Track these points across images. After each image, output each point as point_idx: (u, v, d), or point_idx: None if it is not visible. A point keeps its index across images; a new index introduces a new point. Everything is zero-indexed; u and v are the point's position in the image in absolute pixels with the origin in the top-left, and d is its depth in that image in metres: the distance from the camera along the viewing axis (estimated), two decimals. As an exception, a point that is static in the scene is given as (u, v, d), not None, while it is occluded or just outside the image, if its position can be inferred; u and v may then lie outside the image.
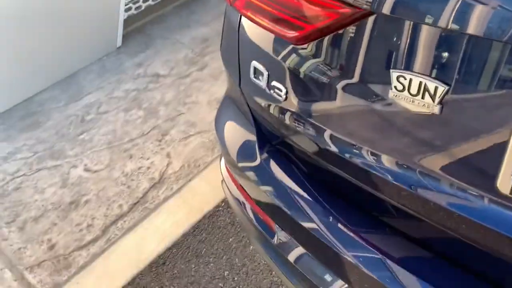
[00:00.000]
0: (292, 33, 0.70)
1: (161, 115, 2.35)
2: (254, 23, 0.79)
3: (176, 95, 2.47)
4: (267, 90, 0.82)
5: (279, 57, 0.77)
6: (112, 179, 2.02)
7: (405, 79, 0.56)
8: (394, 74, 0.57)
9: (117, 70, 2.73)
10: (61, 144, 2.27)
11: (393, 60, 0.58)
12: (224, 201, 1.83)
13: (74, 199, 1.96)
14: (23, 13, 2.35)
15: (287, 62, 0.76)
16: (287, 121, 0.81)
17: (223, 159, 1.17)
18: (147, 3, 2.99)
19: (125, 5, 2.84)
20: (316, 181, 0.94)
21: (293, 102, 0.78)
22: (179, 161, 2.06)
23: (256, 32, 0.82)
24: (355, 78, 0.66)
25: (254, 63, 0.84)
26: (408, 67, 0.56)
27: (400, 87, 0.57)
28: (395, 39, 0.57)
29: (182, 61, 2.72)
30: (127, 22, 2.93)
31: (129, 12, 2.91)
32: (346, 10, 0.60)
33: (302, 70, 0.74)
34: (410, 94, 0.56)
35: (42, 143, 2.30)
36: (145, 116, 2.36)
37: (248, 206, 1.03)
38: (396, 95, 0.58)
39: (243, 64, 0.88)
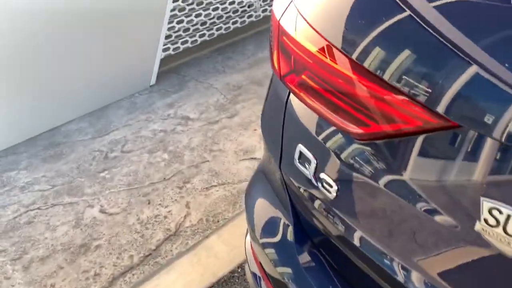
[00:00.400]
0: (354, 128, 0.60)
1: (185, 160, 2.28)
2: (305, 105, 0.70)
3: (203, 141, 2.40)
4: (314, 181, 0.72)
5: (334, 148, 0.67)
6: (126, 225, 1.93)
7: (501, 213, 0.45)
8: (486, 204, 0.46)
9: (147, 108, 2.70)
10: (80, 180, 2.21)
11: (487, 187, 0.47)
12: (241, 267, 1.70)
13: (85, 243, 1.87)
14: (60, 42, 2.36)
15: (343, 155, 0.66)
16: (336, 221, 0.70)
17: (248, 236, 1.06)
18: (185, 45, 3.00)
19: (164, 45, 2.85)
20: (345, 277, 0.82)
21: (345, 201, 0.67)
22: (198, 214, 1.96)
23: (307, 113, 0.73)
24: (430, 199, 0.55)
25: (301, 147, 0.74)
26: (508, 200, 0.45)
27: (492, 221, 0.46)
28: (494, 163, 0.46)
29: (213, 106, 2.67)
30: (163, 61, 2.93)
31: (167, 52, 2.92)
32: (433, 120, 0.50)
33: (361, 168, 0.63)
34: (506, 233, 0.45)
35: (62, 176, 2.24)
36: (169, 159, 2.29)
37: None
38: (485, 230, 0.47)
39: (287, 144, 0.79)
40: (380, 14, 0.62)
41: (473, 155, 0.48)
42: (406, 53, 0.56)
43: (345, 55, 0.61)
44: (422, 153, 0.54)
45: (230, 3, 3.10)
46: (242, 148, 2.33)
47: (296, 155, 0.75)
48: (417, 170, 0.55)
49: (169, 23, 2.80)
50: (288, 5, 0.75)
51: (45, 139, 2.52)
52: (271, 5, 3.53)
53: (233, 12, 3.17)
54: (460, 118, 0.47)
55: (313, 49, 0.65)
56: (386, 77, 0.55)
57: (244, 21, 3.25)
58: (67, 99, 2.58)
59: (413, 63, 0.55)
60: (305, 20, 0.68)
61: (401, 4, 0.60)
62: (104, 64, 2.61)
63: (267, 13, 3.37)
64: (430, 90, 0.50)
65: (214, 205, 2.00)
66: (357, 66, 0.59)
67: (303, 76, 0.71)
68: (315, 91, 0.68)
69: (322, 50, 0.65)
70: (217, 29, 3.12)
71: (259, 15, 3.32)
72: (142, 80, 2.85)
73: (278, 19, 0.76)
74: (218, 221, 1.91)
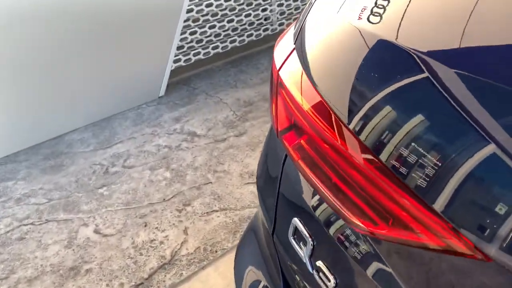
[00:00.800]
0: (357, 221, 0.49)
1: (187, 180, 2.17)
2: (302, 175, 0.59)
3: (208, 160, 2.29)
4: (309, 266, 0.60)
5: (336, 233, 0.55)
6: (120, 249, 1.83)
7: None
8: None
9: (154, 121, 2.61)
10: (78, 195, 2.12)
11: None
12: (237, 306, 1.58)
13: (76, 265, 1.78)
14: (68, 48, 2.29)
15: (347, 244, 0.54)
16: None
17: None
18: (197, 57, 2.91)
19: (175, 56, 2.77)
20: None
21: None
22: (196, 241, 1.85)
23: (306, 184, 0.61)
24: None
25: (296, 222, 0.62)
26: None
27: None
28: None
29: (222, 122, 2.57)
30: (173, 71, 2.84)
31: (177, 64, 2.83)
32: (458, 244, 0.38)
33: (366, 263, 0.52)
34: None
35: (59, 190, 2.16)
36: (171, 178, 2.19)
37: None
38: None
39: (281, 214, 0.67)
40: (394, 72, 0.51)
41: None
42: (419, 119, 0.45)
43: (349, 130, 0.50)
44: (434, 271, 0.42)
45: (246, 16, 3.00)
46: (248, 171, 2.22)
47: (291, 230, 0.63)
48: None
49: (181, 33, 2.72)
50: (290, 54, 0.64)
51: (48, 148, 2.46)
52: (289, 19, 3.41)
53: (249, 25, 3.07)
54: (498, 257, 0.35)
55: (315, 116, 0.54)
56: (387, 157, 0.44)
57: (260, 34, 3.15)
58: (72, 107, 2.51)
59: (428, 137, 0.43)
60: (308, 77, 0.57)
61: (420, 63, 0.49)
62: (113, 73, 2.53)
63: (284, 26, 3.26)
64: (452, 199, 0.38)
65: (213, 233, 1.89)
66: (364, 148, 0.48)
67: (302, 141, 0.60)
68: (317, 166, 0.56)
69: (325, 118, 0.53)
70: (231, 42, 3.02)
71: (276, 29, 3.21)
72: (151, 91, 2.77)
73: (277, 69, 0.64)
74: (216, 251, 1.80)
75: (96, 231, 1.93)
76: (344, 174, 0.51)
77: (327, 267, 0.56)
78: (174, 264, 1.76)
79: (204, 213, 1.99)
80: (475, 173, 0.39)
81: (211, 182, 2.16)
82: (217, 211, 2.00)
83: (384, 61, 0.52)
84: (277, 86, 0.66)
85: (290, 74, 0.62)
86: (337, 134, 0.51)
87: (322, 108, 0.54)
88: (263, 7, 3.06)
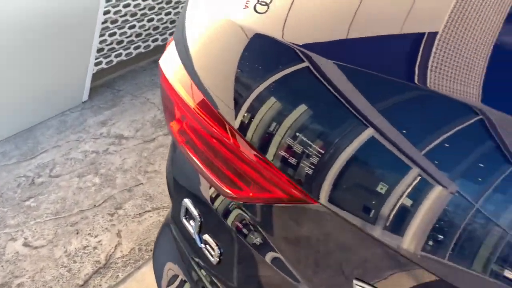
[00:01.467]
0: (226, 190, 0.55)
1: (117, 184, 2.16)
2: (186, 157, 0.64)
3: (138, 161, 2.29)
4: (198, 241, 0.65)
5: (218, 209, 0.61)
6: (52, 259, 1.79)
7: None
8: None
9: (78, 127, 2.55)
10: (3, 210, 2.04)
11: (355, 269, 0.43)
12: (173, 298, 1.62)
13: (6, 281, 1.72)
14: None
15: (227, 218, 0.60)
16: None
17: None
18: (119, 58, 2.87)
19: (96, 58, 2.71)
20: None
21: (227, 269, 0.61)
22: (130, 243, 1.86)
23: (191, 166, 0.66)
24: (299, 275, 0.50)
25: (187, 203, 0.67)
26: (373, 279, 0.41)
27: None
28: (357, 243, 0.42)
29: (150, 122, 2.57)
30: (96, 75, 2.79)
31: (99, 66, 2.78)
32: (296, 194, 0.45)
33: (243, 233, 0.58)
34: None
35: (-18, 208, 2.06)
36: (101, 184, 2.16)
37: None
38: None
39: (176, 196, 0.72)
40: (275, 61, 0.55)
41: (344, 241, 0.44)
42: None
43: (215, 109, 0.55)
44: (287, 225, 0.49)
45: (166, 14, 3.00)
46: (179, 167, 2.24)
47: (183, 210, 0.68)
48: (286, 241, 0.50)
49: (100, 35, 2.67)
50: (169, 43, 0.68)
51: (-35, 166, 2.33)
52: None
53: (170, 23, 3.07)
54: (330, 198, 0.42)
55: (190, 101, 0.59)
56: (274, 153, 0.50)
57: (182, 31, 3.15)
58: (-12, 121, 2.40)
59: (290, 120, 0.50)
60: (188, 72, 0.62)
61: (300, 55, 0.54)
62: (31, 81, 2.44)
63: (206, 22, 3.29)
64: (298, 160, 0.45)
65: (147, 233, 1.90)
66: (222, 123, 0.54)
67: (184, 125, 0.65)
68: (194, 143, 0.62)
69: (203, 108, 0.58)
70: (153, 41, 3.01)
71: (198, 25, 3.23)
72: (73, 97, 2.70)
73: (161, 62, 0.69)
74: (151, 250, 1.82)
75: (26, 244, 1.87)
76: (217, 152, 0.57)
77: (212, 239, 0.62)
78: (109, 267, 1.76)
79: (137, 214, 2.00)
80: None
81: (142, 183, 2.16)
82: (149, 211, 2.02)
83: (263, 56, 0.57)
84: (163, 79, 0.71)
85: (169, 62, 0.66)
86: (204, 113, 0.57)
87: (203, 102, 0.59)
88: (183, 4, 3.07)
